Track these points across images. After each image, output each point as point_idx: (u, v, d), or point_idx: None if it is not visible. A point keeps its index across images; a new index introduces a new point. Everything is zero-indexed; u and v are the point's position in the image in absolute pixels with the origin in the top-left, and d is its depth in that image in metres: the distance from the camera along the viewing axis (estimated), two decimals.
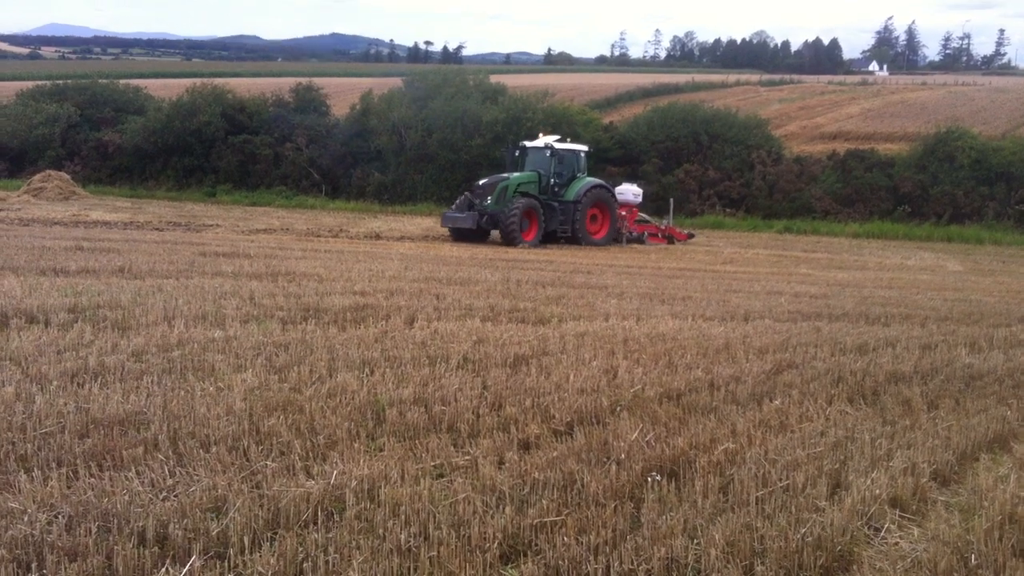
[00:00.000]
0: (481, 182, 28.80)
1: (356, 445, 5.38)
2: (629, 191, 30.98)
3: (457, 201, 29.31)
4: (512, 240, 26.72)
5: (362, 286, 11.99)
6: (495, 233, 27.81)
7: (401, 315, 9.75)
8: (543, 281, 14.72)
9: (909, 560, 4.32)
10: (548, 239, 28.08)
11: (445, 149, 42.68)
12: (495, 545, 4.15)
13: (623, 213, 30.13)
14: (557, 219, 28.12)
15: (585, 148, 30.66)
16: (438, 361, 7.56)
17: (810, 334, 10.25)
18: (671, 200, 34.43)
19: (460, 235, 27.90)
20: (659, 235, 31.20)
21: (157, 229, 25.78)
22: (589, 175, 29.83)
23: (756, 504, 4.73)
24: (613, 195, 29.80)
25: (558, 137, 30.59)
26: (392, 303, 10.57)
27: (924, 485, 5.25)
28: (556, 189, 28.63)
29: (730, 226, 37.65)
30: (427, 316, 9.85)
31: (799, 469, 5.24)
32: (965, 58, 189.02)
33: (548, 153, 28.74)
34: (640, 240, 30.43)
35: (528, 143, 30.07)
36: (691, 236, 32.02)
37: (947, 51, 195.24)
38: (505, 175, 28.62)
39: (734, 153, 41.62)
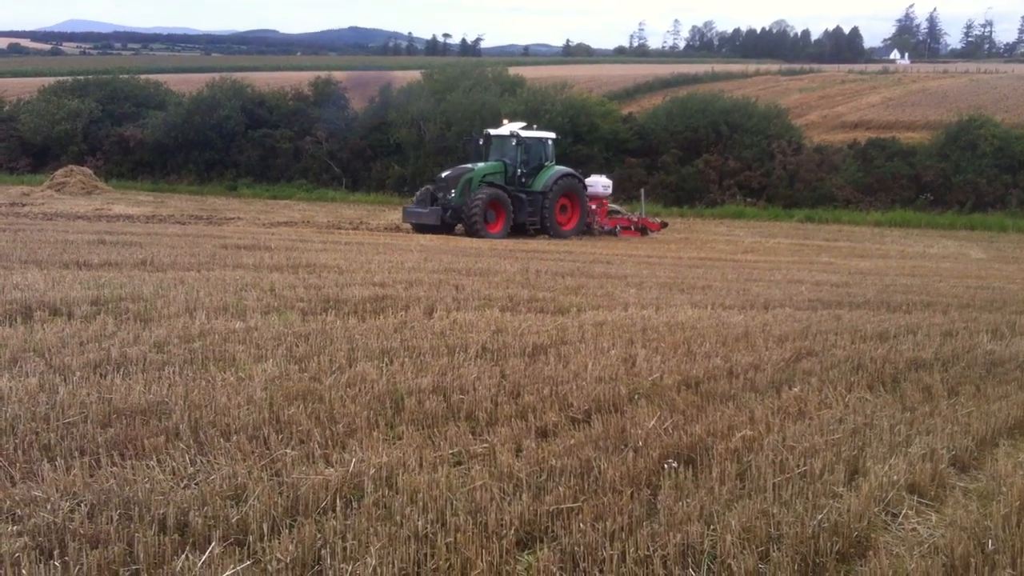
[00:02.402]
0: (444, 174, 27.61)
1: (375, 433, 5.42)
2: (599, 183, 29.95)
3: (418, 194, 27.99)
4: (475, 233, 25.42)
5: (382, 277, 12.04)
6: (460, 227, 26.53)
7: (420, 305, 9.79)
8: (562, 271, 14.73)
9: (926, 546, 4.32)
10: (517, 231, 26.93)
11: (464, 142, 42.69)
12: (512, 531, 4.17)
13: (594, 207, 29.23)
14: (525, 211, 26.86)
15: (552, 135, 29.33)
16: (457, 350, 7.59)
17: (830, 322, 10.21)
18: (642, 190, 33.26)
19: (423, 228, 26.58)
20: (632, 227, 30.18)
21: (179, 223, 25.96)
22: (559, 163, 28.83)
23: (773, 490, 4.73)
24: (583, 183, 28.74)
25: (524, 124, 29.44)
26: (411, 294, 10.61)
27: (942, 471, 5.24)
28: (523, 179, 27.42)
29: (751, 216, 37.52)
30: (446, 306, 9.89)
31: (817, 455, 5.24)
32: (987, 46, 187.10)
33: (514, 142, 27.45)
34: (612, 233, 29.44)
35: (492, 131, 28.61)
36: (664, 225, 31.13)
37: (969, 39, 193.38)
38: (469, 166, 27.36)
39: (754, 143, 41.43)
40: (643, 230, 30.26)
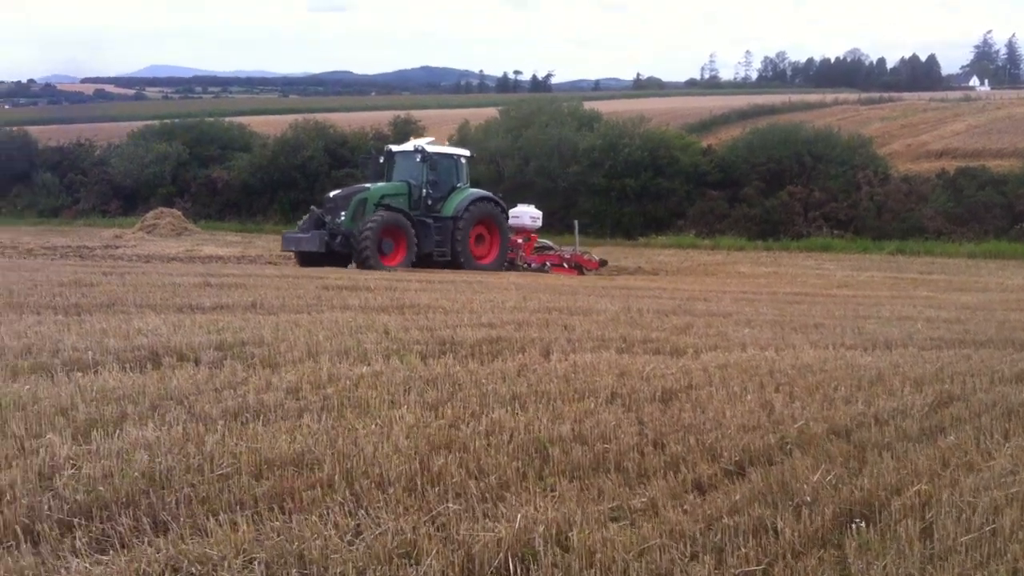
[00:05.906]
0: (332, 194, 24.54)
1: (528, 486, 5.27)
2: (526, 214, 27.04)
3: (303, 219, 24.88)
4: (366, 263, 22.28)
5: (488, 318, 11.95)
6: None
7: (536, 347, 9.65)
8: (664, 309, 14.48)
9: None
10: (423, 263, 23.70)
11: (542, 177, 42.77)
12: None
13: (519, 240, 26.67)
14: (432, 239, 23.72)
15: (466, 153, 26.41)
16: (586, 396, 7.43)
17: (961, 363, 9.82)
18: (575, 222, 29.60)
19: (308, 259, 23.16)
20: (564, 264, 27.00)
21: (270, 263, 26.28)
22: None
23: (966, 552, 4.47)
24: (503, 210, 25.62)
25: (431, 140, 26.77)
26: (524, 335, 10.48)
27: None
28: (430, 202, 24.24)
29: (839, 248, 36.84)
30: (561, 348, 9.73)
31: (1001, 512, 4.95)
32: None
33: (419, 158, 24.26)
34: (542, 271, 26.24)
35: (395, 147, 25.72)
36: (603, 263, 27.81)
37: None
38: (365, 186, 24.33)
39: (839, 173, 40.81)
40: (579, 268, 27.03)
